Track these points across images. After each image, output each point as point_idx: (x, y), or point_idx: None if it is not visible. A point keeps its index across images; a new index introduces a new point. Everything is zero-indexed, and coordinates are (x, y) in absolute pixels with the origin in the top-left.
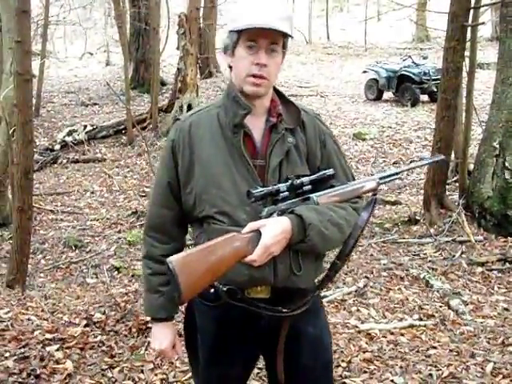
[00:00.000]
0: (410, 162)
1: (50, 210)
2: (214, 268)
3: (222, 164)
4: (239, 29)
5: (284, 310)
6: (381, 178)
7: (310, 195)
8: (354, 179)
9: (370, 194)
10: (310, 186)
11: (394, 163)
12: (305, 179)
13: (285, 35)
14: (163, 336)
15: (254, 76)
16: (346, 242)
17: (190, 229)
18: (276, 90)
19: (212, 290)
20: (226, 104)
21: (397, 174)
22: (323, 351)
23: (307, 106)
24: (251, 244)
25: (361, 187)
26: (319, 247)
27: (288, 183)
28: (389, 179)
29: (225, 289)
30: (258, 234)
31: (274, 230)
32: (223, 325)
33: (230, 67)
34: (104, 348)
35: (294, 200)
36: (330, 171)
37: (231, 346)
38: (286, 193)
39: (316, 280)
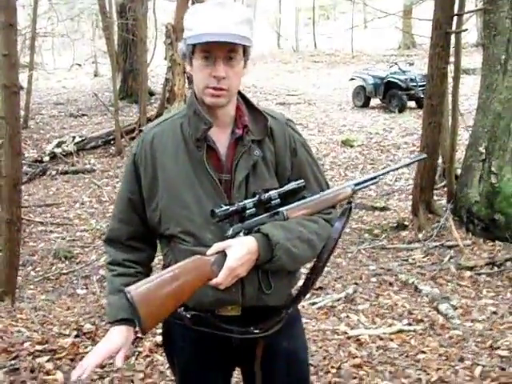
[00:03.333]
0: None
1: (40, 222)
2: (177, 294)
3: (185, 180)
4: (192, 43)
5: (256, 331)
6: (356, 185)
7: (280, 209)
8: (328, 188)
9: (345, 202)
10: (278, 200)
11: (382, 169)
12: (273, 193)
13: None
14: (118, 337)
15: (213, 88)
16: (319, 256)
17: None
18: (243, 97)
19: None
20: (189, 115)
21: (372, 178)
22: (298, 367)
23: (277, 112)
24: (216, 266)
25: (334, 196)
26: (288, 266)
27: (255, 199)
28: (364, 185)
29: (189, 316)
30: (223, 255)
31: (239, 251)
32: (195, 342)
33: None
34: None
35: (261, 216)
36: (300, 182)
37: (205, 362)
38: (253, 209)
39: (289, 294)
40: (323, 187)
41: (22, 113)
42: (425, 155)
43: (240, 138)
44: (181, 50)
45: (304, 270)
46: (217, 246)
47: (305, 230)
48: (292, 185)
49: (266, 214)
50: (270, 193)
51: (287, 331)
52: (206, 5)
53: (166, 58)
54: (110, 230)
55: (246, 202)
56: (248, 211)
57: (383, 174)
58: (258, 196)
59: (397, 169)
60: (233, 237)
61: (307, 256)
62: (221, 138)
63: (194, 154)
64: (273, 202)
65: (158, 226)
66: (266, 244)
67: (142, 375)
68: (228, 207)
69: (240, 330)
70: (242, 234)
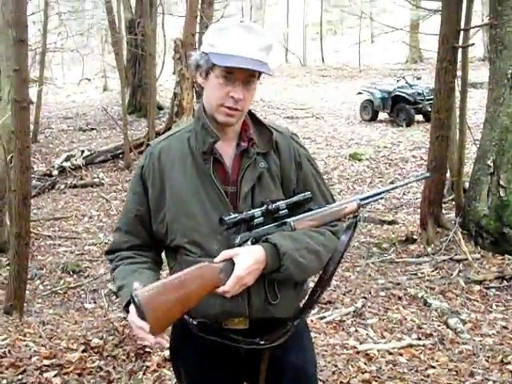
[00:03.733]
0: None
1: (48, 236)
2: (184, 300)
3: (192, 192)
4: (218, 64)
5: (261, 342)
6: (362, 199)
7: (287, 220)
8: (333, 201)
9: (351, 216)
10: (286, 211)
11: (390, 183)
12: (281, 203)
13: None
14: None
15: (228, 107)
16: (325, 268)
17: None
18: (249, 111)
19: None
20: (197, 129)
21: (378, 194)
22: (307, 382)
23: (282, 126)
24: (224, 274)
25: (340, 210)
26: (295, 276)
27: (263, 208)
28: (371, 200)
29: (195, 322)
30: (230, 263)
31: (248, 260)
32: (202, 352)
33: (202, 87)
34: (102, 373)
35: (269, 226)
36: (307, 194)
37: (211, 374)
38: (261, 218)
39: (297, 306)
40: (328, 200)
41: (32, 127)
42: (428, 174)
43: (245, 150)
44: (195, 61)
45: (312, 284)
46: (224, 254)
47: (312, 241)
48: (299, 196)
49: (273, 224)
50: (278, 203)
51: (295, 345)
52: (231, 24)
53: (174, 73)
54: (114, 243)
55: (254, 211)
56: (256, 220)
57: (389, 190)
58: (266, 206)
59: (402, 186)
60: (240, 245)
61: (314, 267)
62: (227, 151)
63: (201, 166)
64: (281, 212)
65: (165, 237)
66: (274, 253)
67: None
68: (236, 215)
69: (246, 341)
70: (249, 242)
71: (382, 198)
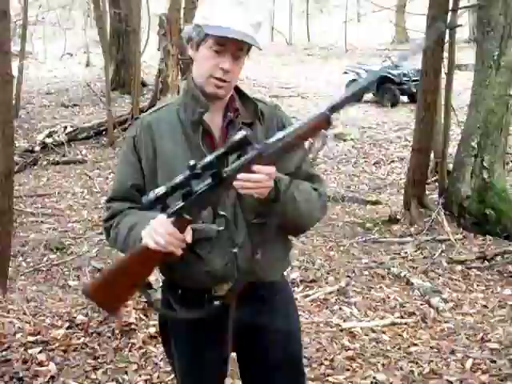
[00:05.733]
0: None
1: (31, 213)
2: (134, 282)
3: (183, 161)
4: (212, 33)
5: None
6: (330, 110)
7: (224, 176)
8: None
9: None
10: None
11: (374, 163)
12: (204, 162)
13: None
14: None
15: (217, 78)
16: None
17: None
18: (234, 87)
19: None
20: (186, 101)
21: (346, 99)
22: (290, 341)
23: (267, 99)
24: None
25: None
26: (290, 212)
27: (186, 174)
28: (340, 108)
29: (179, 291)
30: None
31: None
32: (193, 327)
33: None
34: (87, 350)
35: (205, 187)
36: (237, 138)
37: (203, 348)
38: (188, 187)
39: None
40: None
41: (13, 102)
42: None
43: (232, 120)
44: (187, 34)
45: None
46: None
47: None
48: (217, 152)
49: (207, 183)
50: (199, 163)
51: (283, 309)
52: None
53: (159, 49)
54: (113, 209)
55: (170, 183)
56: (178, 191)
57: (356, 93)
58: (188, 171)
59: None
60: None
61: (308, 209)
62: (215, 122)
63: (191, 137)
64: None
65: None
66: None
67: (135, 366)
68: (153, 193)
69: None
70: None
71: (350, 103)
